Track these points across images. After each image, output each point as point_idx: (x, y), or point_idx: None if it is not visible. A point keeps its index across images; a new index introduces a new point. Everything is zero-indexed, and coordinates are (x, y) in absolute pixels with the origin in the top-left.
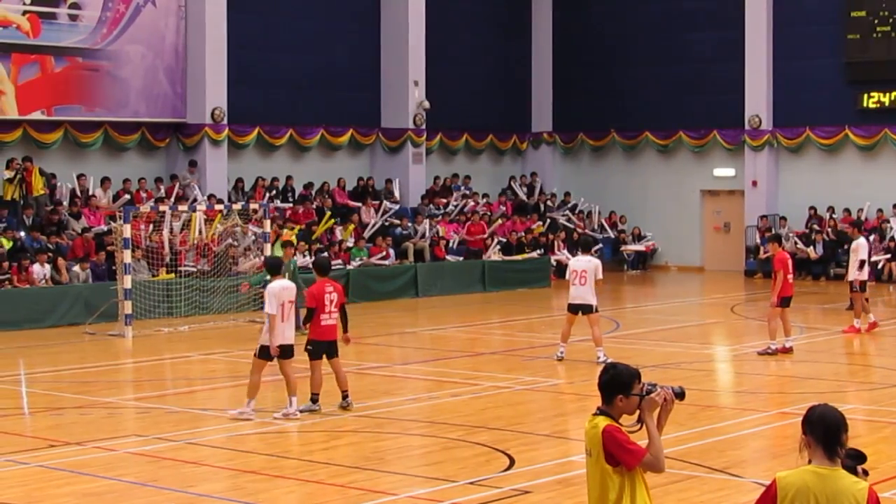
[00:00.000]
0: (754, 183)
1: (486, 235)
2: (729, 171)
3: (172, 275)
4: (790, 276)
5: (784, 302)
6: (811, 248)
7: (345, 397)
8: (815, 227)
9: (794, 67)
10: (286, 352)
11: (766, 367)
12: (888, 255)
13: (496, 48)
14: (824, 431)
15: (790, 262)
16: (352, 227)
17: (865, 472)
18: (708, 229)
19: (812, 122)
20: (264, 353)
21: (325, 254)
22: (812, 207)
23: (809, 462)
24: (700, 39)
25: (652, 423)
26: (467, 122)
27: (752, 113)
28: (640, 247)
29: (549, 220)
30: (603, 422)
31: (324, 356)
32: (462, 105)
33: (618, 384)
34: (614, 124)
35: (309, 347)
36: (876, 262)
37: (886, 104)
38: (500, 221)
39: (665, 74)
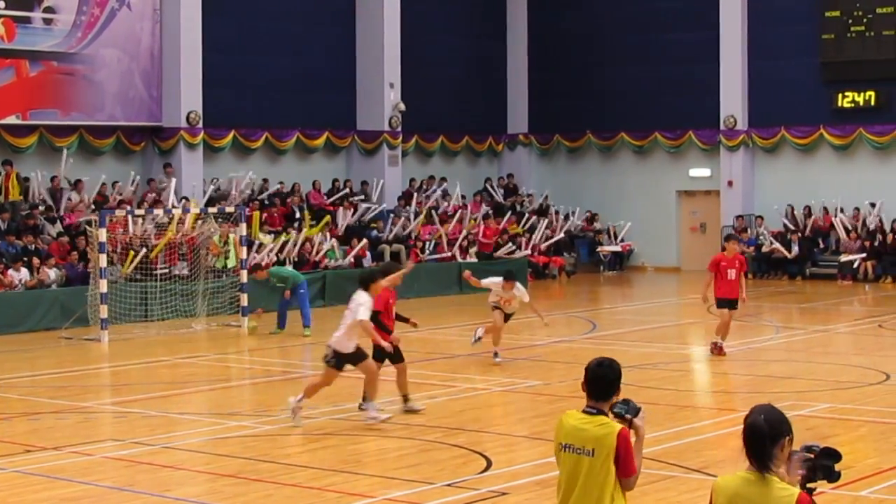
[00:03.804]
0: (730, 183)
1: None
2: (705, 172)
3: (130, 268)
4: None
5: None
6: (787, 247)
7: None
8: (791, 226)
9: (769, 67)
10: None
11: (742, 366)
12: (864, 255)
13: (472, 50)
14: (748, 443)
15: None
16: (323, 223)
17: (838, 473)
18: (684, 229)
19: (787, 122)
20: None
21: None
22: (788, 206)
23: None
24: (675, 40)
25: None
26: (443, 123)
27: (728, 113)
28: (616, 247)
29: (528, 222)
30: (616, 424)
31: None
32: (438, 107)
33: (618, 381)
34: (590, 125)
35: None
36: (852, 262)
37: (861, 104)
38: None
39: (640, 75)
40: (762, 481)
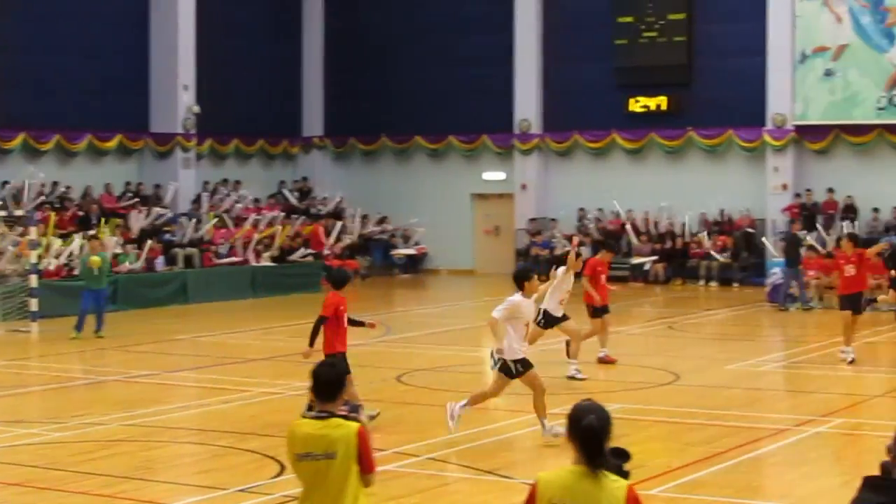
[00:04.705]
0: (524, 186)
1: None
2: (499, 175)
3: None
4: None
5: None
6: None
7: None
8: (585, 229)
9: (563, 72)
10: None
11: (537, 368)
12: (655, 257)
13: (267, 52)
14: (582, 440)
15: (598, 268)
16: (112, 226)
17: (627, 472)
18: (478, 232)
19: (581, 126)
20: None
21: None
22: (581, 209)
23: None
24: (471, 44)
25: None
26: (238, 126)
27: (522, 117)
28: (410, 250)
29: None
30: (353, 423)
31: None
32: (233, 109)
33: (344, 381)
34: (385, 128)
35: None
36: (643, 264)
37: (652, 108)
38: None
39: (436, 78)
40: (593, 475)
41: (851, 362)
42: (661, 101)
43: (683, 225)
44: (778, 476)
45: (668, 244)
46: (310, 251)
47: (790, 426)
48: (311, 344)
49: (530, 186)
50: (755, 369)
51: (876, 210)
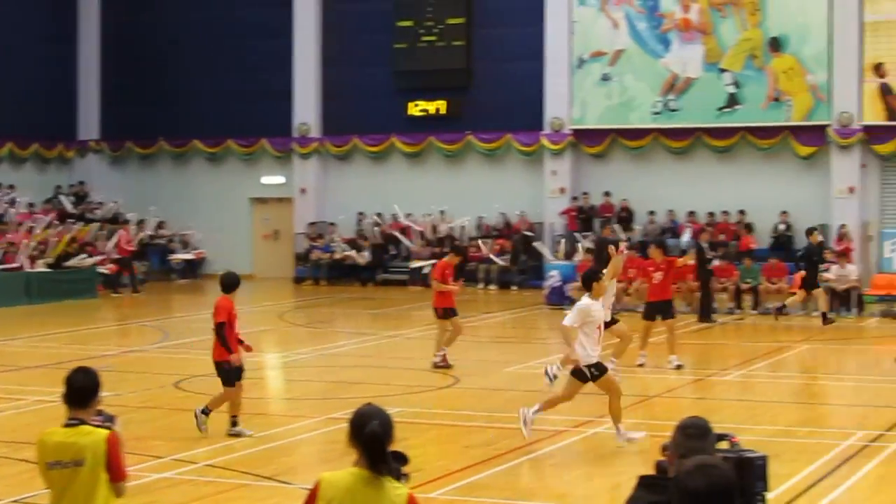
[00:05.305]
0: (303, 190)
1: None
2: (278, 179)
3: None
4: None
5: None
6: (359, 252)
7: None
8: (363, 232)
9: (342, 76)
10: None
11: (315, 373)
12: (434, 261)
13: (41, 53)
14: (365, 446)
15: (446, 271)
16: None
17: (406, 475)
18: (257, 237)
19: (360, 130)
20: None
21: None
22: (360, 213)
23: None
24: (250, 47)
25: None
26: (11, 129)
27: (301, 121)
28: (189, 255)
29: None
30: (102, 430)
31: None
32: (6, 112)
33: (98, 389)
34: (163, 132)
35: None
36: (422, 268)
37: (431, 112)
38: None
39: (214, 82)
40: (376, 480)
41: (641, 365)
42: (440, 105)
43: (462, 228)
44: (556, 477)
45: (447, 248)
46: (86, 255)
47: (568, 427)
48: (234, 349)
49: (310, 190)
50: (534, 371)
51: (652, 213)
